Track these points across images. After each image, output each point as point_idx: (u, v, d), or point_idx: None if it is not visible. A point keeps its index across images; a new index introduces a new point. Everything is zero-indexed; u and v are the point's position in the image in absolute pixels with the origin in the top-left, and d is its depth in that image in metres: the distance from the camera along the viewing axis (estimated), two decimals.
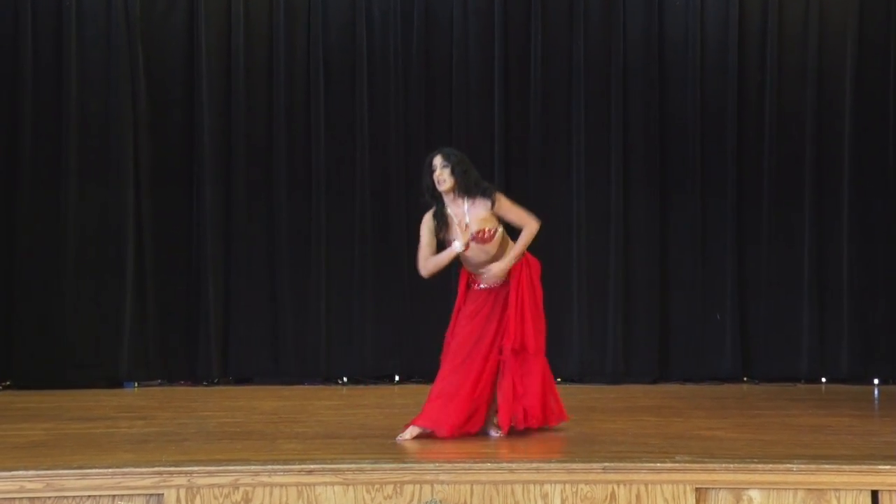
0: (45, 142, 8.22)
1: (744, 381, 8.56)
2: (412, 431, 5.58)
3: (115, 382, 8.19)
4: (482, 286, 5.70)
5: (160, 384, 8.33)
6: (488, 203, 5.62)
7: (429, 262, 5.68)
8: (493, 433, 5.67)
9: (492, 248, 5.65)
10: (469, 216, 5.62)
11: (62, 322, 8.14)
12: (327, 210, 8.43)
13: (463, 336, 5.68)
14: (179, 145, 8.43)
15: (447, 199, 5.65)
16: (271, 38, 8.48)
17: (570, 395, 7.75)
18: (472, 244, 5.61)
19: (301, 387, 8.30)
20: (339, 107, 8.51)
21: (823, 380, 8.61)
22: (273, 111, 8.47)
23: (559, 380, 8.51)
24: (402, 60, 8.53)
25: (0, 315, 8.10)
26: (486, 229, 5.61)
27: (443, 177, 5.61)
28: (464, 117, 8.55)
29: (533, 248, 8.50)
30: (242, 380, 8.44)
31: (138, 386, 8.23)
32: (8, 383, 8.09)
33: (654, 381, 8.52)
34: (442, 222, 5.65)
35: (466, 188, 5.62)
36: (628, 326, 8.56)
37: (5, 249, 8.15)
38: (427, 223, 5.69)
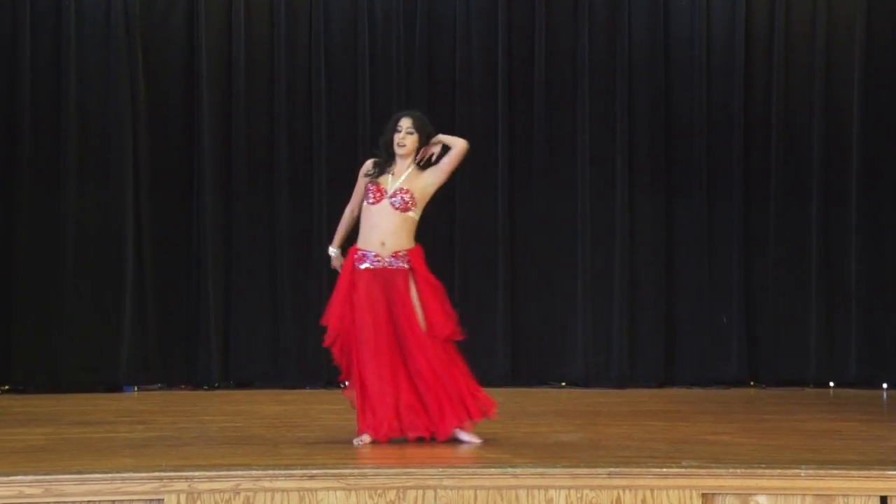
0: (43, 142, 8.18)
1: (751, 386, 8.52)
2: (365, 439, 5.48)
3: (114, 386, 8.15)
4: (366, 265, 5.49)
5: (160, 388, 8.29)
6: (433, 177, 5.56)
7: (345, 218, 5.68)
8: (466, 438, 5.53)
9: (401, 220, 5.50)
10: (404, 177, 5.54)
11: (61, 325, 8.09)
12: (329, 212, 8.36)
13: (364, 326, 5.46)
14: (179, 146, 8.39)
15: (398, 159, 5.59)
16: (272, 39, 8.44)
17: (574, 399, 7.77)
18: (387, 203, 5.49)
19: (302, 391, 8.25)
20: (340, 107, 8.47)
21: (832, 384, 8.56)
22: (274, 112, 8.43)
23: (563, 384, 8.50)
24: (405, 61, 8.50)
25: None
26: (409, 191, 5.50)
27: (405, 141, 5.55)
28: (467, 118, 8.50)
29: (537, 250, 8.52)
30: (243, 384, 8.40)
31: (138, 390, 8.19)
32: (6, 387, 8.05)
33: (660, 386, 8.48)
34: (380, 172, 5.57)
35: (422, 163, 5.59)
36: (634, 330, 8.51)
37: (4, 251, 8.11)
38: (364, 169, 5.64)
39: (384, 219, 5.51)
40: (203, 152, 8.33)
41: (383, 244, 5.50)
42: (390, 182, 5.55)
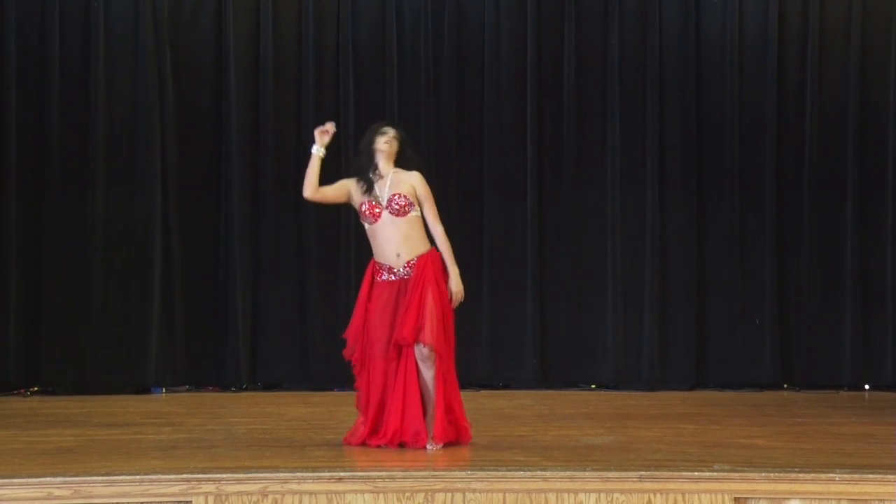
0: (72, 144, 8.21)
1: (784, 388, 8.44)
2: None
3: (142, 388, 8.16)
4: (384, 277, 5.57)
5: (188, 390, 8.29)
6: (414, 178, 5.57)
7: (306, 179, 5.62)
8: (429, 446, 5.50)
9: (406, 225, 5.53)
10: (390, 184, 5.56)
11: (89, 327, 8.12)
12: (356, 214, 8.33)
13: (376, 335, 5.56)
14: (207, 148, 8.41)
15: (380, 166, 5.61)
16: (300, 40, 8.44)
17: (605, 401, 7.72)
18: (386, 216, 5.52)
19: (330, 393, 8.22)
20: (368, 109, 8.45)
21: (867, 387, 8.47)
22: (302, 113, 8.43)
23: (593, 386, 8.45)
24: (433, 61, 8.47)
25: (28, 320, 8.10)
26: (402, 195, 5.52)
27: (388, 144, 5.60)
28: (496, 119, 8.48)
29: (567, 250, 8.48)
30: (271, 386, 8.39)
31: (166, 392, 8.20)
32: (35, 389, 8.07)
33: (692, 388, 8.41)
34: (368, 185, 5.59)
35: (403, 160, 5.64)
36: (665, 332, 8.44)
37: (33, 253, 8.14)
38: (351, 185, 5.65)
39: (390, 230, 5.55)
40: (231, 154, 8.34)
41: (398, 256, 5.55)
42: (379, 192, 5.57)
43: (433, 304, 5.49)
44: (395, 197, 5.52)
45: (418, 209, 5.58)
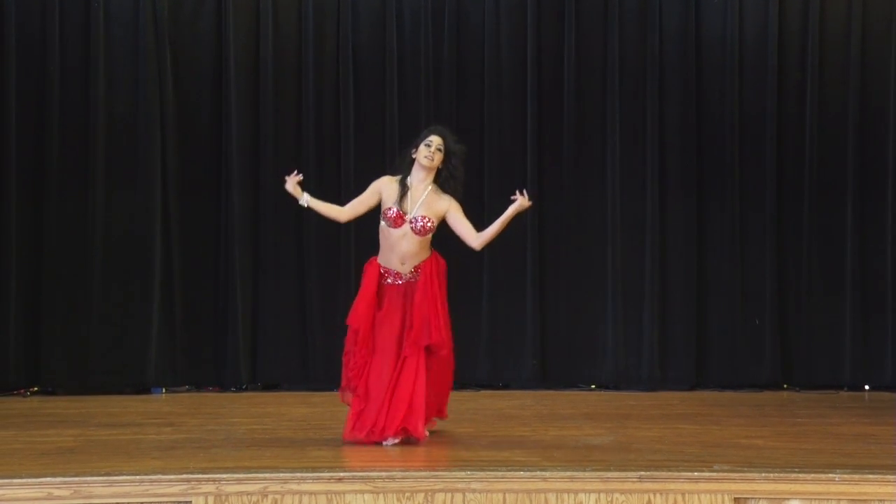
0: (71, 144, 8.19)
1: (784, 389, 8.43)
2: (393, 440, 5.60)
3: (142, 388, 8.15)
4: (391, 281, 5.68)
5: (188, 390, 8.29)
6: (452, 205, 5.66)
7: (333, 208, 5.71)
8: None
9: (420, 243, 5.65)
10: (423, 201, 5.63)
11: (89, 327, 8.11)
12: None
13: (382, 337, 5.64)
14: (207, 147, 8.39)
15: (415, 171, 5.67)
16: (300, 39, 8.43)
17: (605, 402, 7.72)
18: (407, 228, 5.60)
19: (330, 393, 8.17)
20: (368, 108, 8.45)
21: (867, 387, 8.46)
22: (302, 113, 8.42)
23: (593, 386, 8.45)
24: (433, 61, 8.47)
25: (27, 320, 8.08)
26: (430, 219, 5.62)
27: (434, 157, 5.64)
28: (496, 118, 8.47)
29: (567, 250, 8.47)
30: (271, 386, 8.39)
31: (166, 392, 8.19)
32: (35, 389, 8.07)
33: (692, 388, 8.40)
34: (402, 194, 5.63)
35: (444, 180, 5.68)
36: (665, 332, 8.44)
37: (33, 253, 8.13)
38: (384, 184, 5.69)
39: (404, 241, 5.65)
40: (231, 153, 8.33)
41: (403, 263, 5.69)
42: (409, 204, 5.63)
43: (441, 306, 5.64)
44: (422, 219, 5.62)
45: (434, 230, 5.70)
